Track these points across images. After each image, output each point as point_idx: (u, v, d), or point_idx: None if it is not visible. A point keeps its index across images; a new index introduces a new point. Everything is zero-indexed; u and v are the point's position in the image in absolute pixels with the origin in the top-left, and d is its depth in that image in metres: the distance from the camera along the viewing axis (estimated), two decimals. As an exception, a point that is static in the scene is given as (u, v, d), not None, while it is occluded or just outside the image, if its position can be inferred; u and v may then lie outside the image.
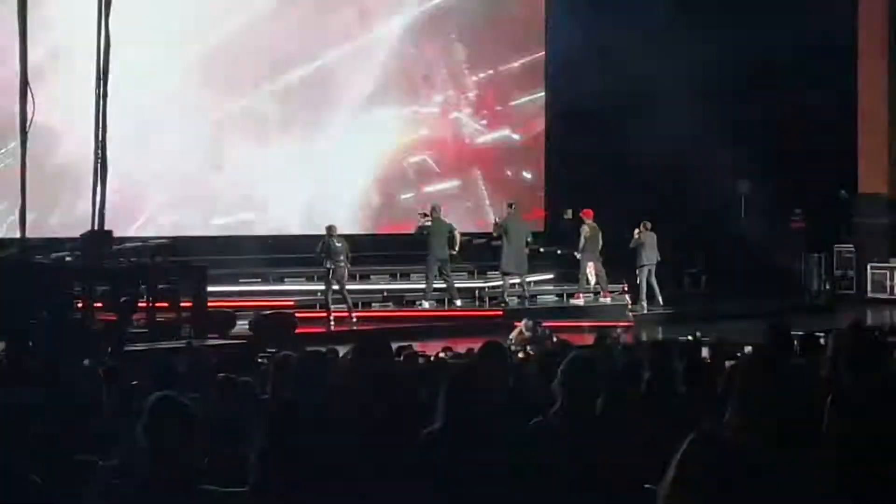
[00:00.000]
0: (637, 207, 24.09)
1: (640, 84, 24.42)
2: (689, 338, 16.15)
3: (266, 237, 25.26)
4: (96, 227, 18.41)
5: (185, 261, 21.86)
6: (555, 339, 16.41)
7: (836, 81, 25.77)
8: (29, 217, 17.98)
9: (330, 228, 21.87)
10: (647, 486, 5.38)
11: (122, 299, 19.46)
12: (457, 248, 22.46)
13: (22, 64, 17.71)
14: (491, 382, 6.68)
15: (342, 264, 21.67)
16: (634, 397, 7.02)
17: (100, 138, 18.27)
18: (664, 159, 24.52)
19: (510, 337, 16.95)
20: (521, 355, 13.19)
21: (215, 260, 22.67)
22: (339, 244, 21.70)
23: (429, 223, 22.32)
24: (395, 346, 10.15)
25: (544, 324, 17.80)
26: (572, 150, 26.07)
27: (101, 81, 18.27)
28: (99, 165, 18.32)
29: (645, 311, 23.31)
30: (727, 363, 11.13)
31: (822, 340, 12.16)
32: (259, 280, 24.04)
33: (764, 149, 25.91)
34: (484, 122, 27.45)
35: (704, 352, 12.90)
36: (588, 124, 25.61)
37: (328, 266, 21.67)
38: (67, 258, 18.76)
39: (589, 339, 15.73)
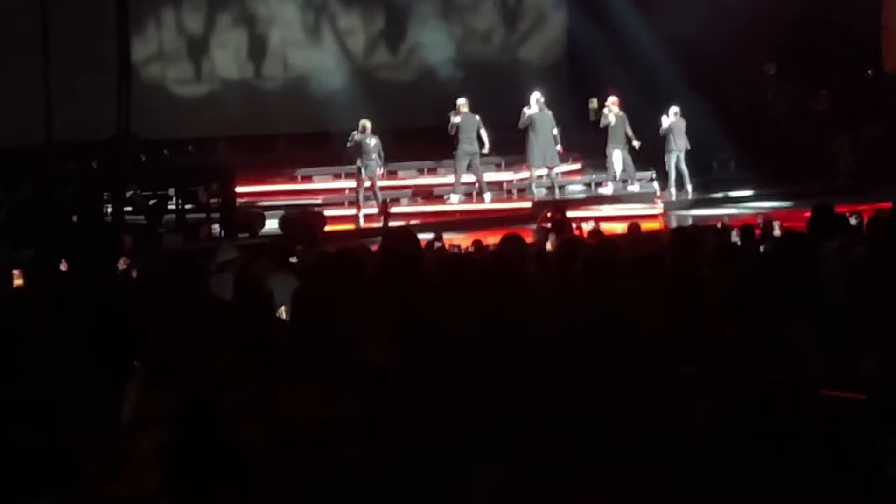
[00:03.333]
0: (663, 93, 23.80)
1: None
2: (719, 224, 16.12)
3: (291, 135, 25.35)
4: (122, 131, 18.43)
5: (214, 161, 21.88)
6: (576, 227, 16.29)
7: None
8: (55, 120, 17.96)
9: (363, 125, 21.72)
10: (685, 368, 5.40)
11: (151, 202, 19.57)
12: (486, 146, 22.23)
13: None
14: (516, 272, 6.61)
15: (374, 161, 21.58)
16: (662, 284, 6.96)
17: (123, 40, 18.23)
18: (690, 43, 24.29)
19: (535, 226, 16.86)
20: (548, 246, 13.09)
21: (244, 159, 22.71)
22: (370, 141, 21.58)
23: (458, 119, 22.13)
24: (423, 239, 10.16)
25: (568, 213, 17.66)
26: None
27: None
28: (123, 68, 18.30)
29: (673, 199, 23.18)
30: (761, 247, 11.15)
31: (852, 220, 12.13)
32: (287, 178, 23.99)
33: (788, 31, 25.56)
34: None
35: (734, 236, 12.88)
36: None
37: (359, 164, 21.61)
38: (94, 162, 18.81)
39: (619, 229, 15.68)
